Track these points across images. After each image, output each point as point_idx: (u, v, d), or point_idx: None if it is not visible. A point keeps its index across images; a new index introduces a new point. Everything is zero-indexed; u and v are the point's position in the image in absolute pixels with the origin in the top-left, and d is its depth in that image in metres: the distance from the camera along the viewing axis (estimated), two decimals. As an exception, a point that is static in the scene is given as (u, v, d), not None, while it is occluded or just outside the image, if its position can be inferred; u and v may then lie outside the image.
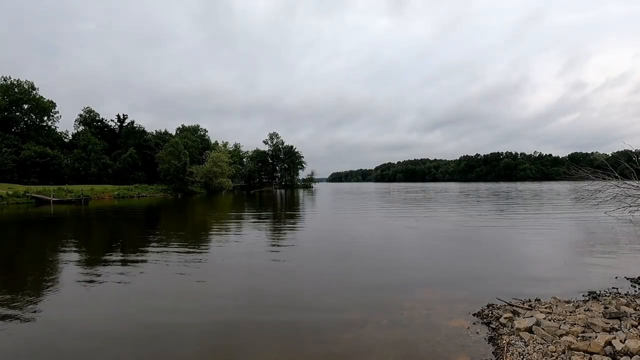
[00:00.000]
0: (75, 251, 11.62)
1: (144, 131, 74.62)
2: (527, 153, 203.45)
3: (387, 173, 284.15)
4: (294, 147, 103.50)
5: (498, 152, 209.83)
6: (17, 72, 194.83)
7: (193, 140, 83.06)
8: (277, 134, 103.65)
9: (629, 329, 4.49)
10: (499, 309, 5.67)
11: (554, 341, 4.29)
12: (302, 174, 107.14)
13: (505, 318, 5.13)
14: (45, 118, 69.20)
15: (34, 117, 67.59)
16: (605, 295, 6.23)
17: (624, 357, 3.82)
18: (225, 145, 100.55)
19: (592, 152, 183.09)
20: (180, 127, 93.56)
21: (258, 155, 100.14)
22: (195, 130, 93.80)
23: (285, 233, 15.53)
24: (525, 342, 4.42)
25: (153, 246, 12.06)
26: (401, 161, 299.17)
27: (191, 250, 11.44)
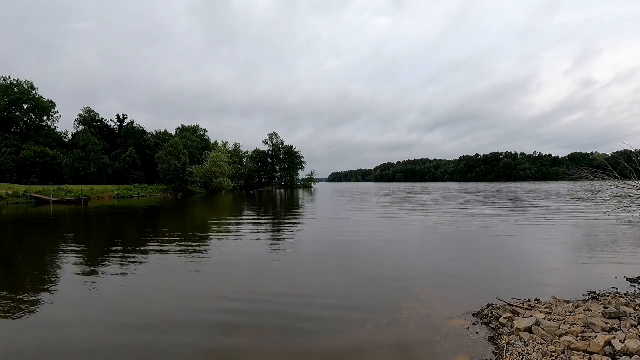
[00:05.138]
0: (74, 251, 11.60)
1: (143, 131, 74.63)
2: (527, 153, 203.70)
3: (387, 173, 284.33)
4: (293, 147, 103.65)
5: (498, 153, 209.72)
6: (15, 72, 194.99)
7: (193, 140, 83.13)
8: (277, 134, 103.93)
9: (628, 329, 4.49)
10: (498, 309, 5.67)
11: (553, 341, 4.29)
12: (302, 174, 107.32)
13: (505, 318, 5.12)
14: (45, 118, 69.21)
15: (33, 117, 67.57)
16: (605, 295, 6.22)
17: (623, 357, 3.81)
18: (225, 145, 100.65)
19: (592, 153, 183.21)
20: (180, 127, 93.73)
21: (258, 155, 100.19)
22: (195, 130, 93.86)
23: (285, 233, 15.52)
24: (525, 342, 4.41)
25: (153, 246, 12.05)
26: (401, 161, 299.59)
27: (191, 250, 11.43)
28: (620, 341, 4.04)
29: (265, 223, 19.26)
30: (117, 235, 15.78)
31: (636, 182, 8.24)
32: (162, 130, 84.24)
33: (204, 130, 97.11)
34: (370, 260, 9.61)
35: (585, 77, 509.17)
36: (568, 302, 5.86)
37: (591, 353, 3.94)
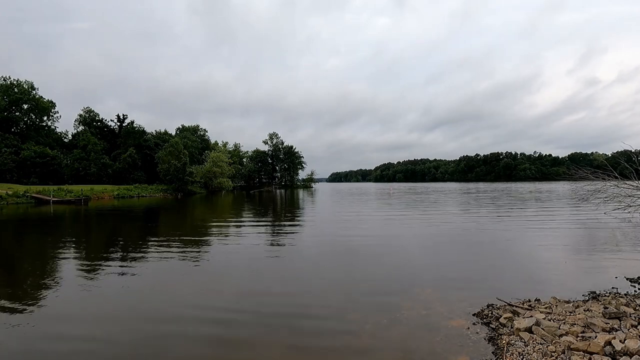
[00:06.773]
0: (74, 251, 11.61)
1: (143, 131, 74.63)
2: (527, 153, 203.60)
3: (387, 173, 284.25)
4: (293, 147, 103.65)
5: (498, 153, 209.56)
6: (15, 72, 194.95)
7: (193, 141, 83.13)
8: (277, 134, 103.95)
9: (628, 329, 4.49)
10: (498, 309, 5.67)
11: (553, 341, 4.29)
12: (302, 174, 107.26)
13: (505, 318, 5.12)
14: (45, 118, 69.18)
15: (33, 117, 67.53)
16: (605, 295, 6.22)
17: (623, 357, 3.81)
18: (225, 145, 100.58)
19: (592, 153, 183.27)
20: (180, 127, 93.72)
21: (258, 155, 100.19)
22: (195, 130, 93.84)
23: (284, 233, 15.52)
24: (525, 342, 4.41)
25: (153, 246, 12.05)
26: (401, 161, 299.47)
27: (192, 250, 11.43)
28: (620, 341, 4.04)
29: (265, 223, 19.26)
30: (117, 235, 15.77)
31: (636, 182, 8.21)
32: (162, 130, 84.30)
33: (204, 130, 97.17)
34: (371, 260, 9.61)
35: (588, 76, 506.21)
36: (568, 302, 5.86)
37: (591, 353, 3.93)
